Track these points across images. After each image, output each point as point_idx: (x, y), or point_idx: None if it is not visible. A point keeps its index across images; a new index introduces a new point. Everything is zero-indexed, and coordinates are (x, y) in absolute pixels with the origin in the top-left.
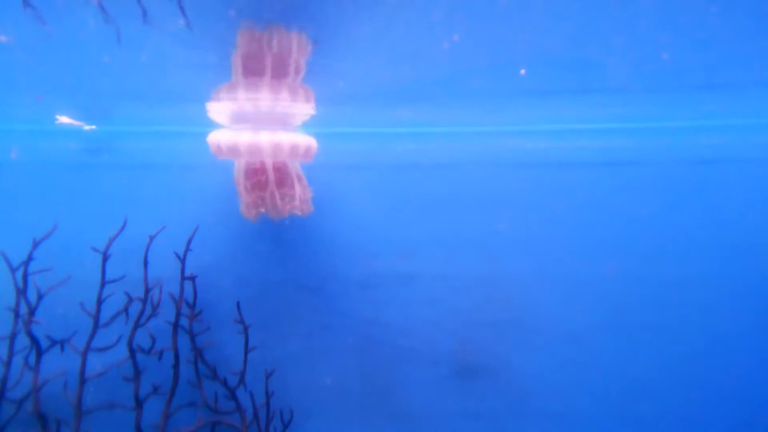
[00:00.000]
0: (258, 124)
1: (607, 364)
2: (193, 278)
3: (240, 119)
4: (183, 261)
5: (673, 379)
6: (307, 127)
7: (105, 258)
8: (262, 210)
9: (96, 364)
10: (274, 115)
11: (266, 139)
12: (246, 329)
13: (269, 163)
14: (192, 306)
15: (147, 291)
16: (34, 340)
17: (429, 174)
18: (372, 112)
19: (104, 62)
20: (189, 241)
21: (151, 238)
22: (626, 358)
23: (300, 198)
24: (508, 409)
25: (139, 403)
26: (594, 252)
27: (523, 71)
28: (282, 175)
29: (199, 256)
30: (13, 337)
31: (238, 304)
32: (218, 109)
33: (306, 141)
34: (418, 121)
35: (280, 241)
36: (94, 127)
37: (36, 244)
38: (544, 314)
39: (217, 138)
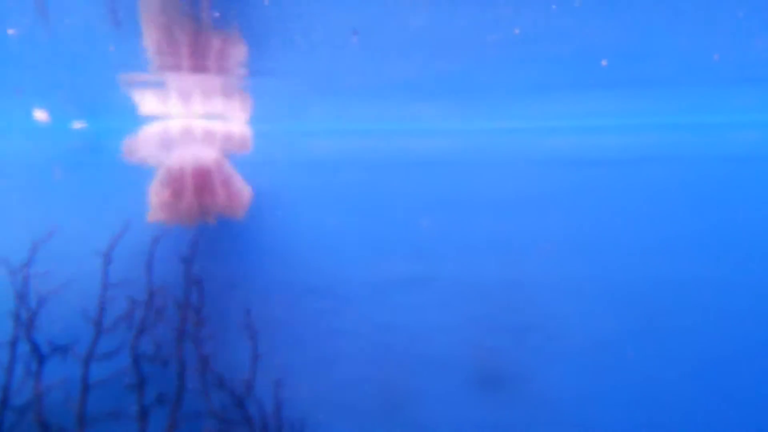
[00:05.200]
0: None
1: (634, 371)
2: (199, 282)
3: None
4: (188, 264)
5: (704, 387)
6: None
7: (107, 261)
8: (175, 215)
9: (100, 371)
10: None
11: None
12: (254, 335)
13: (189, 169)
14: (198, 311)
15: (151, 295)
16: (36, 347)
17: (444, 173)
18: (385, 107)
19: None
20: (193, 244)
21: (154, 241)
22: (654, 365)
23: (226, 203)
24: (528, 420)
25: (144, 412)
26: (619, 254)
27: (604, 62)
28: (203, 181)
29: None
30: (14, 343)
31: (247, 310)
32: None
33: (240, 130)
34: (432, 117)
35: (284, 241)
36: (85, 124)
37: (36, 247)
38: (567, 319)
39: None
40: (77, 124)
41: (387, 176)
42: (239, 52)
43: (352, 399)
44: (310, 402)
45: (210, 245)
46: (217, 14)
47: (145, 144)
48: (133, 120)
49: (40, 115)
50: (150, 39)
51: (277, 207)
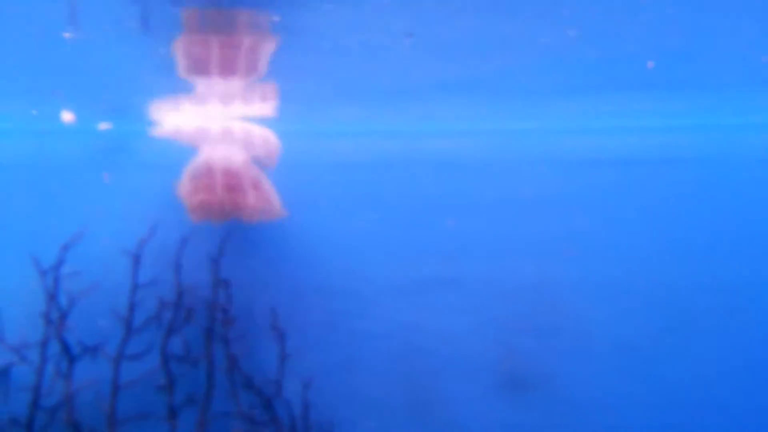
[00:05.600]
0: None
1: (663, 374)
2: (227, 282)
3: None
4: (216, 264)
5: (735, 390)
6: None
7: (136, 261)
8: (209, 214)
9: (130, 372)
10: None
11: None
12: (282, 336)
13: (218, 168)
14: (226, 312)
15: (180, 296)
16: (66, 347)
17: (472, 174)
18: (410, 108)
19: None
20: (222, 244)
21: (183, 241)
22: (684, 368)
23: (256, 206)
24: (555, 422)
25: (173, 412)
26: (646, 256)
27: (651, 63)
28: (234, 181)
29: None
30: (45, 344)
31: (274, 311)
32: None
33: (263, 133)
34: (458, 118)
35: (309, 243)
36: (110, 125)
37: (66, 248)
38: (594, 321)
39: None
40: (103, 125)
41: (413, 177)
42: (265, 54)
43: (380, 401)
44: (337, 404)
45: (237, 246)
46: (276, 18)
47: (180, 135)
48: (158, 122)
49: (68, 116)
50: (181, 43)
51: (303, 208)
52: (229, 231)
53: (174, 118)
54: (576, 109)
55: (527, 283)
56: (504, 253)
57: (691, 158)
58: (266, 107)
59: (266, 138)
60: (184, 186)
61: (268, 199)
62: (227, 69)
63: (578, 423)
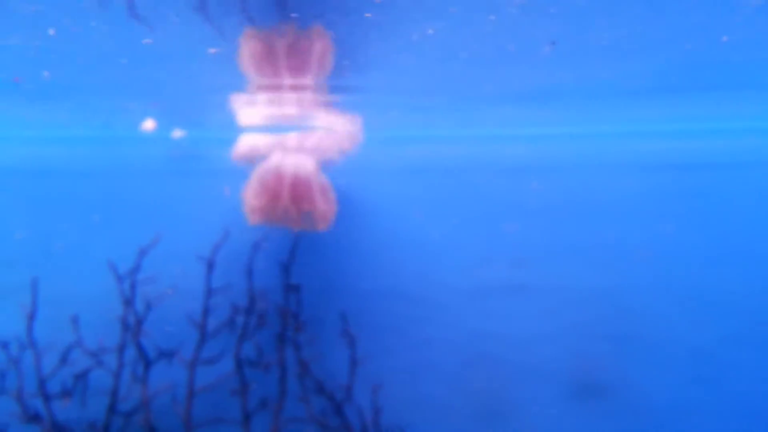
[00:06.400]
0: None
1: (739, 382)
2: (297, 287)
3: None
4: (287, 270)
5: None
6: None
7: (210, 266)
8: (271, 218)
9: (204, 376)
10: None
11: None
12: (352, 341)
13: (286, 175)
14: (297, 317)
15: (252, 301)
16: (143, 352)
17: (542, 178)
18: (479, 112)
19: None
20: (292, 250)
21: (254, 247)
22: (756, 374)
23: (321, 213)
24: (628, 430)
25: (247, 416)
26: (723, 259)
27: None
28: (301, 189)
29: (298, 266)
30: (122, 349)
31: (344, 315)
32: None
33: (338, 139)
34: (527, 122)
35: (379, 249)
36: (184, 132)
37: (142, 253)
38: (667, 327)
39: (244, 142)
40: (177, 133)
41: (484, 182)
42: (328, 62)
43: (450, 407)
44: (407, 409)
45: (307, 251)
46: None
47: (246, 150)
48: (231, 129)
49: (149, 124)
50: (250, 51)
51: (374, 214)
52: (300, 236)
53: (247, 123)
54: (660, 111)
55: (600, 289)
56: (576, 258)
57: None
58: (339, 117)
59: (329, 141)
60: (249, 189)
61: (333, 207)
62: (298, 71)
63: (650, 430)
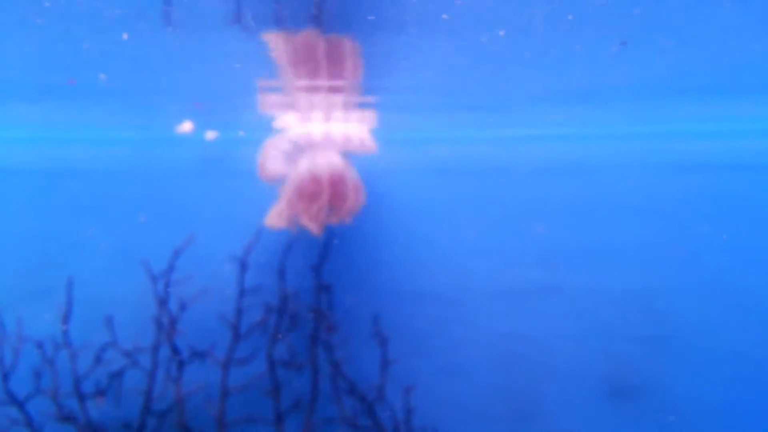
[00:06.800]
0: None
1: None
2: (329, 288)
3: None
4: (318, 272)
5: None
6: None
7: (243, 267)
8: (305, 220)
9: (237, 377)
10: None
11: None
12: (384, 342)
13: (323, 175)
14: (329, 318)
15: (285, 302)
16: (177, 352)
17: (572, 178)
18: (511, 115)
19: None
20: (324, 251)
21: (286, 248)
22: None
23: (353, 206)
24: None
25: (280, 417)
26: (757, 261)
27: None
28: (338, 189)
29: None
30: (156, 349)
31: (376, 317)
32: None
33: (359, 134)
34: (563, 122)
35: (410, 250)
36: (217, 133)
37: (176, 254)
38: (701, 328)
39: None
40: (210, 135)
41: (514, 183)
42: (356, 66)
43: (481, 408)
44: (439, 410)
45: (338, 252)
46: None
47: (273, 158)
48: (262, 130)
49: (187, 126)
50: (282, 52)
51: (405, 215)
52: (331, 237)
53: (279, 126)
54: (693, 111)
55: (632, 290)
56: (608, 258)
57: None
58: (366, 118)
59: (353, 135)
60: (288, 195)
61: (362, 199)
62: (333, 74)
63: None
